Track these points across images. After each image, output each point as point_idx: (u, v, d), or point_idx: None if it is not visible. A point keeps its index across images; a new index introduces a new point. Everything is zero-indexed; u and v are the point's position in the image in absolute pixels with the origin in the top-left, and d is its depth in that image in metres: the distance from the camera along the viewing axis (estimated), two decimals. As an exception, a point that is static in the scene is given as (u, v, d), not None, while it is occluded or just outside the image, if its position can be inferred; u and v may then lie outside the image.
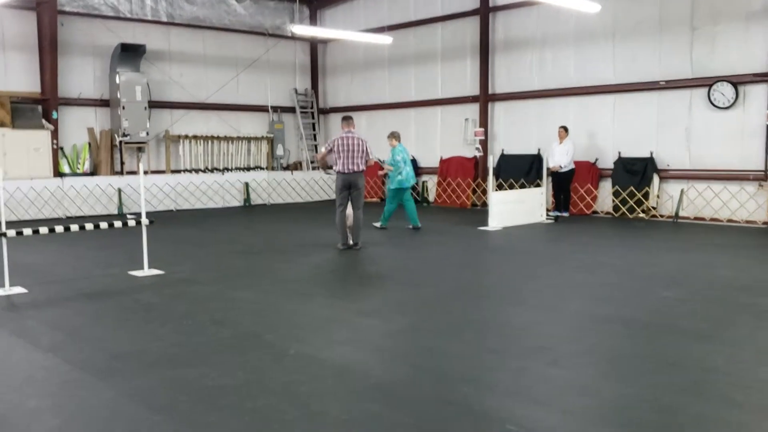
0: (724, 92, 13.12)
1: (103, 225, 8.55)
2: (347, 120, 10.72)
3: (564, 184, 14.80)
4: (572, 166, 14.64)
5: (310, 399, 4.42)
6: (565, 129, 14.68)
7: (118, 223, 8.93)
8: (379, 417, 4.14)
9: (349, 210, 10.50)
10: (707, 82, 13.34)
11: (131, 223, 8.98)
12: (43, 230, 8.04)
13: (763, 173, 12.79)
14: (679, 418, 4.04)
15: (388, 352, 5.52)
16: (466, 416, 4.13)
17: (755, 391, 4.46)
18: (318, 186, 19.99)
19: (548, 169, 14.65)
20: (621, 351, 5.39)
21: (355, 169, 10.37)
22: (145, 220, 8.65)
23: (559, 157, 14.58)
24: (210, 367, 5.06)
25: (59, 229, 8.26)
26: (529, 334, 5.95)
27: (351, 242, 10.58)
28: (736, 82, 12.98)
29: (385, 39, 17.09)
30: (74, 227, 8.36)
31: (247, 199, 18.67)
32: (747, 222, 12.98)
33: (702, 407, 4.21)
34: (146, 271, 8.71)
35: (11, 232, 7.67)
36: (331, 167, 10.80)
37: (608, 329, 6.00)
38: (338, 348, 5.51)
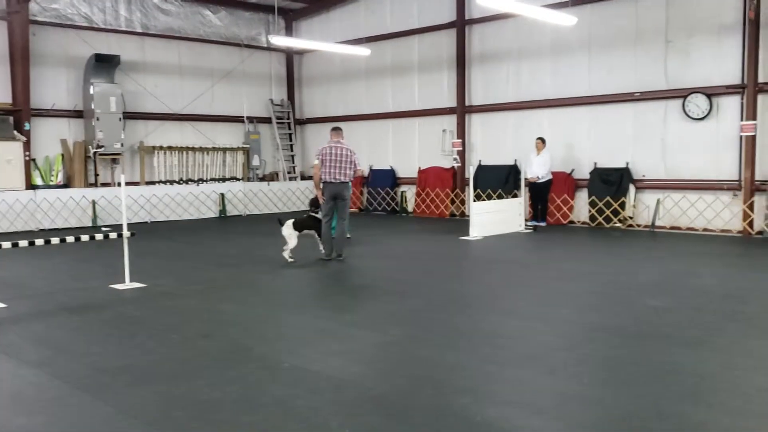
0: (698, 104, 13.35)
1: (84, 237, 8.39)
2: (336, 130, 10.71)
3: (541, 195, 14.93)
4: (550, 176, 14.78)
5: (308, 412, 4.36)
6: (543, 140, 14.83)
7: (98, 236, 8.76)
8: (379, 429, 4.10)
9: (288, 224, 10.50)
10: (682, 94, 13.57)
11: (112, 235, 8.81)
12: (23, 243, 7.86)
13: (737, 183, 13.02)
14: (682, 426, 4.06)
15: (383, 363, 5.48)
16: (468, 427, 4.10)
17: (754, 397, 4.50)
18: (295, 196, 19.90)
19: (526, 179, 14.76)
20: (615, 359, 5.41)
21: (342, 179, 10.34)
22: (126, 233, 8.50)
23: (536, 168, 14.70)
24: (202, 380, 4.97)
25: (39, 242, 8.08)
26: (521, 343, 5.95)
27: (334, 254, 10.52)
28: (710, 93, 13.22)
29: (363, 51, 17.12)
30: (54, 240, 8.19)
31: (223, 210, 18.51)
32: (722, 231, 13.18)
33: (704, 415, 4.23)
34: (128, 284, 8.55)
35: (-11, 245, 7.49)
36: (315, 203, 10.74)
37: (599, 338, 6.02)
38: (332, 360, 5.45)
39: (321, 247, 10.60)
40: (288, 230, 10.20)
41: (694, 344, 5.77)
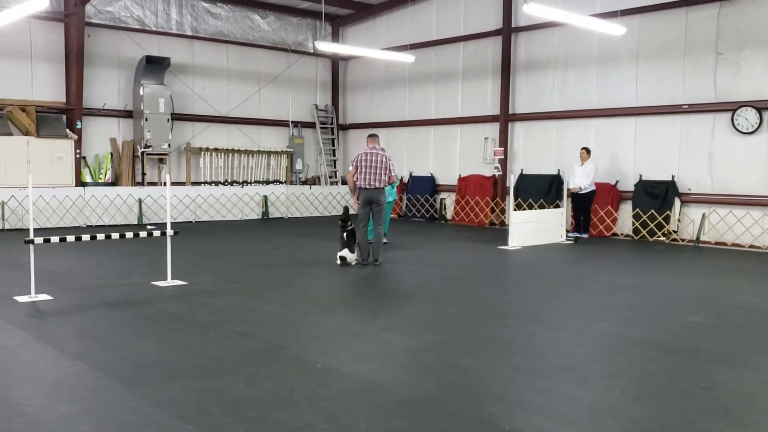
0: (748, 117, 13.08)
1: (129, 234, 8.61)
2: (372, 137, 10.85)
3: (584, 206, 14.76)
4: (593, 187, 14.60)
5: (338, 413, 4.41)
6: (587, 150, 14.67)
7: (143, 233, 8.98)
8: (408, 433, 4.13)
9: (345, 252, 10.46)
10: (731, 107, 13.30)
11: (156, 233, 9.02)
12: (70, 238, 8.11)
13: (786, 199, 12.72)
14: (713, 443, 4.01)
15: (414, 368, 5.50)
16: (497, 435, 4.11)
17: (789, 418, 4.41)
18: (336, 200, 20.05)
19: (568, 190, 14.62)
20: (649, 374, 5.34)
21: (376, 184, 10.42)
22: (170, 231, 8.69)
23: (580, 179, 14.54)
24: (236, 378, 5.07)
25: (85, 237, 8.32)
26: (555, 353, 5.91)
27: (371, 259, 10.60)
28: (761, 107, 12.93)
29: (408, 57, 17.19)
30: (100, 236, 8.42)
31: (266, 212, 18.76)
32: (769, 248, 12.89)
33: (736, 432, 4.17)
34: (169, 282, 8.75)
35: (38, 240, 7.74)
36: (347, 215, 10.68)
37: (635, 351, 5.95)
38: (364, 363, 5.50)
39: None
40: (352, 256, 10.52)
41: (731, 362, 5.66)
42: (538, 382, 5.09)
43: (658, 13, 14.36)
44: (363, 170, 10.42)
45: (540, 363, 5.62)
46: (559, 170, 16.06)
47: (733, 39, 13.34)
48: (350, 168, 10.79)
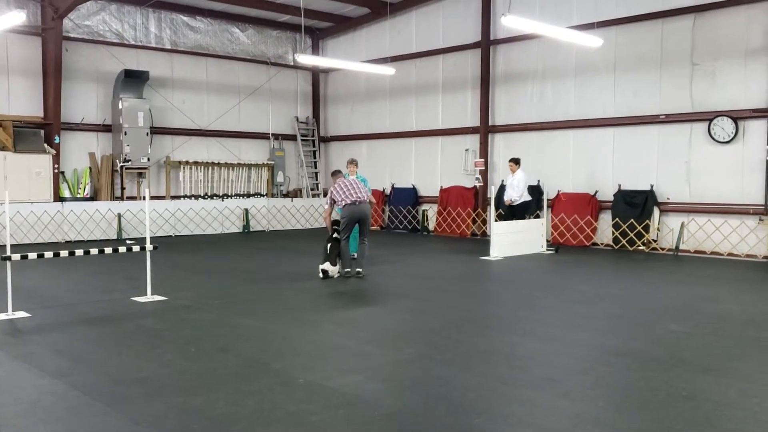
0: (724, 127, 13.25)
1: (108, 250, 8.52)
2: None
3: (518, 217, 14.17)
4: (526, 198, 14.23)
5: (321, 428, 4.38)
6: (515, 161, 14.30)
7: (122, 248, 8.89)
8: (392, 447, 4.10)
9: (327, 265, 10.44)
10: (707, 117, 13.47)
11: (135, 248, 8.94)
12: (48, 255, 8.01)
13: (763, 207, 12.85)
14: (695, 452, 4.02)
15: (398, 381, 5.48)
16: (481, 448, 4.09)
17: (770, 425, 4.44)
18: (318, 213, 20.00)
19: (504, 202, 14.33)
20: (631, 383, 5.36)
21: (362, 197, 10.46)
22: (149, 246, 8.61)
23: (509, 190, 14.24)
24: (218, 394, 5.02)
25: (64, 253, 8.22)
26: (538, 364, 5.92)
27: (353, 271, 10.57)
28: (736, 117, 13.11)
29: (388, 70, 17.23)
30: (78, 252, 8.33)
31: (247, 225, 18.67)
32: (747, 256, 13.01)
33: (718, 441, 4.18)
34: (149, 297, 8.67)
35: (15, 256, 7.63)
36: (337, 222, 10.63)
37: (616, 361, 5.97)
38: (347, 377, 5.47)
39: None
40: (334, 269, 10.50)
41: (712, 370, 5.70)
42: (522, 394, 5.09)
43: (635, 25, 14.53)
44: (345, 192, 10.47)
45: (523, 374, 5.63)
46: (538, 181, 16.12)
47: (708, 50, 13.54)
48: (326, 206, 10.99)
